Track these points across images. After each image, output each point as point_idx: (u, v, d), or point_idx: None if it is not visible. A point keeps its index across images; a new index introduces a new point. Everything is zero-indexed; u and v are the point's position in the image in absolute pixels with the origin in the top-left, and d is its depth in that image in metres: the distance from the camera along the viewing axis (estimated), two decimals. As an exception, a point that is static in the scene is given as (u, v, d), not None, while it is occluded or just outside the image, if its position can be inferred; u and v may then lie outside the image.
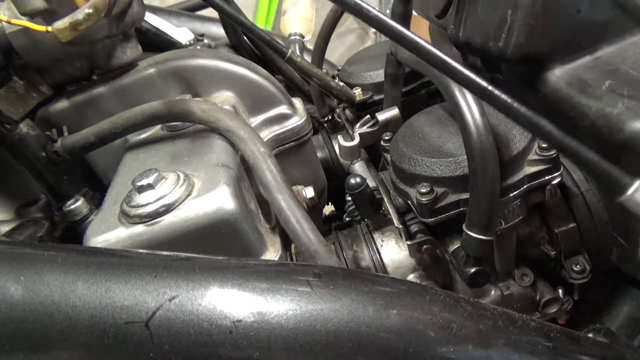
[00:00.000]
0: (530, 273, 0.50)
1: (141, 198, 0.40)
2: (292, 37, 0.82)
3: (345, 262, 0.51)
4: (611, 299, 0.49)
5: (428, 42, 0.33)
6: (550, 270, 0.51)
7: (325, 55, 0.75)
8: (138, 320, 0.24)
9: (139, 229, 0.39)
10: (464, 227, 0.41)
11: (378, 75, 0.66)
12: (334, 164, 0.72)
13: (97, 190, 0.54)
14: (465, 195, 0.42)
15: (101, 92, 0.54)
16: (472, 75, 0.32)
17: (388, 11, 2.34)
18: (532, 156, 0.43)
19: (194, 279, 0.27)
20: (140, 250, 0.34)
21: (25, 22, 0.44)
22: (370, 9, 0.32)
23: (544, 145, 0.43)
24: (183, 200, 0.40)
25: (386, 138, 0.53)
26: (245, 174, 0.47)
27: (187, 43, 0.73)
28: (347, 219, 0.69)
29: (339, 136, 0.56)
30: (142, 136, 0.54)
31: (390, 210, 0.49)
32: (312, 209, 0.56)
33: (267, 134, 0.56)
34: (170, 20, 0.76)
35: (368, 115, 0.57)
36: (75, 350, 0.24)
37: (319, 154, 0.69)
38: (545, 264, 0.51)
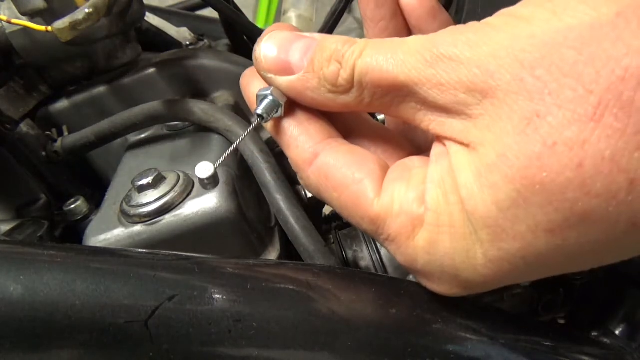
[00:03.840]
0: (530, 273, 0.50)
1: (141, 198, 0.40)
2: (292, 37, 0.82)
3: (345, 261, 0.51)
4: (611, 299, 0.49)
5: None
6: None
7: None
8: (137, 319, 0.24)
9: (139, 228, 0.39)
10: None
11: (378, 75, 0.66)
12: (334, 164, 0.72)
13: (97, 190, 0.54)
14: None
15: (101, 92, 0.54)
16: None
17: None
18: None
19: (194, 278, 0.27)
20: (140, 250, 0.34)
21: (25, 22, 0.44)
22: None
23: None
24: (183, 200, 0.40)
25: (386, 138, 0.53)
26: (245, 174, 0.47)
27: (187, 43, 0.73)
28: (347, 218, 0.69)
29: (339, 136, 0.56)
30: (142, 136, 0.54)
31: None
32: (312, 209, 0.56)
33: (267, 133, 0.56)
34: (170, 20, 0.76)
35: (368, 115, 0.57)
36: (74, 349, 0.24)
37: (319, 154, 0.69)
38: (545, 264, 0.51)
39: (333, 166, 0.28)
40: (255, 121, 0.30)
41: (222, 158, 0.29)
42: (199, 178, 0.28)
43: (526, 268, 0.24)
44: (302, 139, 0.30)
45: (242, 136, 0.32)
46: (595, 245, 0.22)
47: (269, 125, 0.31)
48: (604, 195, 0.20)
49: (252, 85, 0.32)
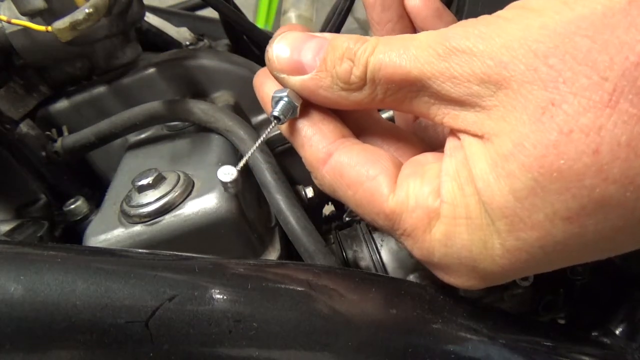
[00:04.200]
0: (530, 273, 0.50)
1: (141, 198, 0.40)
2: (292, 37, 0.82)
3: (345, 262, 0.51)
4: (611, 299, 0.49)
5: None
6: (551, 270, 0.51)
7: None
8: (138, 319, 0.24)
9: (139, 228, 0.39)
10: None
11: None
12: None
13: (97, 190, 0.54)
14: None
15: (101, 92, 0.54)
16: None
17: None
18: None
19: (194, 278, 0.27)
20: (140, 250, 0.34)
21: (25, 22, 0.44)
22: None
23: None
24: (183, 200, 0.40)
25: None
26: (245, 174, 0.47)
27: (187, 43, 0.73)
28: (347, 218, 0.69)
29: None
30: (142, 136, 0.54)
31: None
32: (312, 209, 0.56)
33: (270, 126, 0.56)
34: (170, 20, 0.76)
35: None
36: (75, 350, 0.24)
37: (319, 154, 0.69)
38: (545, 264, 0.51)
39: (347, 164, 0.29)
40: (272, 123, 0.30)
41: (243, 161, 0.30)
42: (222, 182, 0.29)
43: (544, 257, 0.24)
44: (316, 139, 0.30)
45: (260, 139, 0.32)
46: (612, 232, 0.22)
47: (283, 127, 0.31)
48: (621, 181, 0.20)
49: (265, 85, 0.33)
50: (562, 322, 0.54)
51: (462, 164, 0.25)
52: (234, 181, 0.29)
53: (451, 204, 0.25)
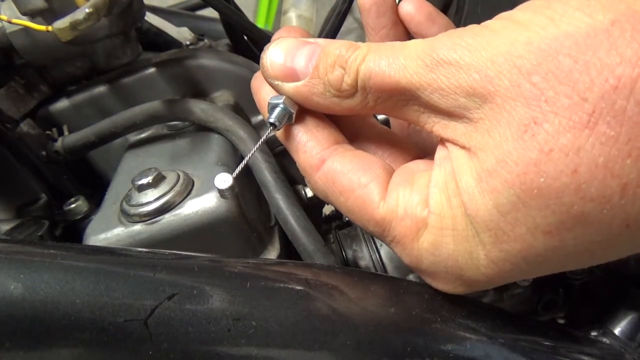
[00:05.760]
0: (529, 273, 0.50)
1: (141, 197, 0.40)
2: (293, 37, 0.82)
3: (344, 261, 0.51)
4: (611, 299, 0.49)
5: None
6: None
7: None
8: (137, 318, 0.24)
9: (139, 227, 0.40)
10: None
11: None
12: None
13: (97, 190, 0.54)
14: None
15: (101, 92, 0.54)
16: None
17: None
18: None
19: (193, 277, 0.27)
20: (140, 249, 0.35)
21: (25, 22, 0.44)
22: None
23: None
24: (182, 199, 0.40)
25: (386, 138, 0.53)
26: (244, 173, 0.47)
27: (187, 43, 0.73)
28: (347, 218, 0.69)
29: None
30: (142, 135, 0.54)
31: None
32: (312, 209, 0.56)
33: (266, 133, 0.56)
34: (170, 20, 0.76)
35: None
36: (74, 348, 0.24)
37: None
38: (545, 264, 0.51)
39: (339, 172, 0.29)
40: (268, 130, 0.30)
41: (239, 169, 0.30)
42: (218, 189, 0.29)
43: (527, 267, 0.24)
44: (309, 145, 0.30)
45: (256, 145, 0.33)
46: (590, 245, 0.22)
47: (279, 132, 0.32)
48: (598, 199, 0.21)
49: (262, 90, 0.33)
50: (561, 321, 0.54)
51: (450, 176, 0.25)
52: (230, 188, 0.29)
53: (438, 215, 0.26)
